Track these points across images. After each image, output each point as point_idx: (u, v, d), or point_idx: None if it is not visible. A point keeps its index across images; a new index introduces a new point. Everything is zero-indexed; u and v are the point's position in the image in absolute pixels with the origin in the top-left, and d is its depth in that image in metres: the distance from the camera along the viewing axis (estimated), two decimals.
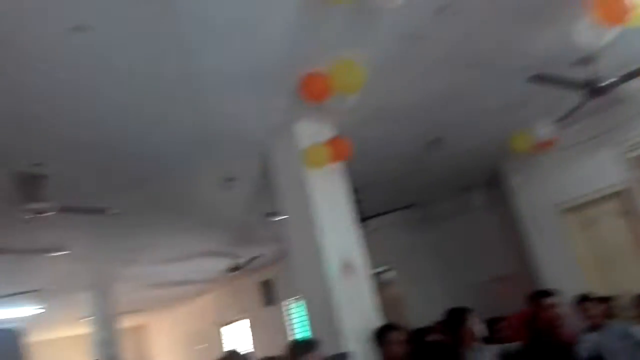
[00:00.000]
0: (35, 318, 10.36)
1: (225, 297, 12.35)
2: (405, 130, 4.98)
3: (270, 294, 10.71)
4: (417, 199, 7.49)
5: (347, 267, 4.00)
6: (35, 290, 7.78)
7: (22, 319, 10.26)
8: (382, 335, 3.64)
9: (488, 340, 5.07)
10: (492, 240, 7.34)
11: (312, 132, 4.23)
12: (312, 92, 3.49)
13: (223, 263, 8.83)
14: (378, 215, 6.51)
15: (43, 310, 9.84)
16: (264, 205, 6.27)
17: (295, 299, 10.05)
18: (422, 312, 7.51)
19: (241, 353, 4.08)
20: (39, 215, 4.12)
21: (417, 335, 4.39)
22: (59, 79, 2.96)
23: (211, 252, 8.19)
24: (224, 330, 12.76)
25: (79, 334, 12.65)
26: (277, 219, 6.48)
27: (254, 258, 8.72)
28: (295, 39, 3.08)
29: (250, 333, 11.82)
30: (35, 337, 12.90)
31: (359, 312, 3.92)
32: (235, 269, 8.80)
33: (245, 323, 12.03)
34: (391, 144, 5.24)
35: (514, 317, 5.63)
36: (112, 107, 3.42)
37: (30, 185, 3.86)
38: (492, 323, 5.18)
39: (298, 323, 10.26)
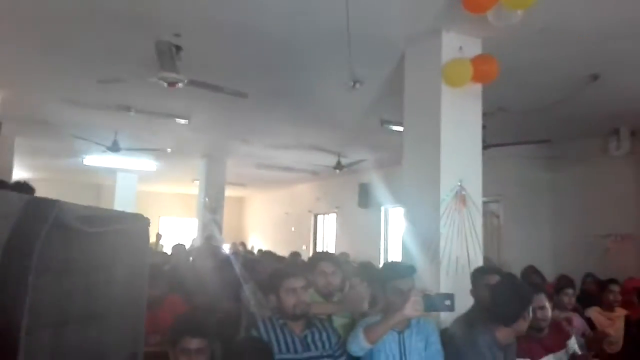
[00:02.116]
0: (150, 173, 11.39)
1: (323, 189, 12.70)
2: (561, 60, 4.38)
3: (367, 197, 10.80)
4: (546, 134, 6.82)
5: (461, 196, 3.77)
6: (156, 150, 8.39)
7: (140, 172, 11.36)
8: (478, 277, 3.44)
9: (594, 302, 4.77)
10: (622, 193, 6.62)
11: (458, 44, 3.82)
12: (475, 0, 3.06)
13: (328, 159, 8.90)
14: (503, 145, 6.04)
15: (157, 167, 10.74)
16: (381, 112, 6.06)
17: (390, 206, 10.08)
18: (521, 252, 7.22)
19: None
20: (170, 85, 4.22)
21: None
22: None
23: (319, 147, 8.23)
24: (318, 219, 13.32)
25: (186, 193, 13.83)
26: (392, 127, 6.29)
27: (360, 161, 8.68)
28: None
29: (336, 228, 12.25)
30: (149, 188, 14.41)
31: (463, 243, 3.74)
32: (340, 166, 8.85)
33: (333, 217, 12.45)
34: (540, 71, 4.66)
35: (630, 283, 5.19)
36: None
37: (167, 55, 3.91)
38: (603, 285, 4.82)
39: (389, 230, 10.39)
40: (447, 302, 2.49)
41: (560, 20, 3.62)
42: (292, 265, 5.32)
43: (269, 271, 4.35)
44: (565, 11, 3.49)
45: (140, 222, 0.97)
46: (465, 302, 3.30)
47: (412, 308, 2.44)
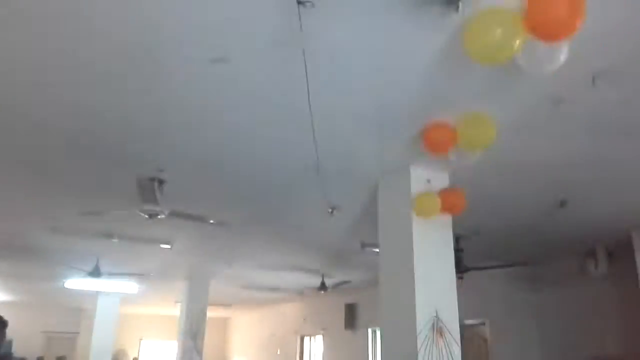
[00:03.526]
0: (133, 295, 11.15)
1: (309, 310, 12.40)
2: (527, 189, 4.58)
3: (353, 318, 10.56)
4: (525, 255, 6.91)
5: (438, 328, 3.74)
6: (138, 274, 8.30)
7: (122, 294, 11.13)
8: None
9: None
10: (605, 314, 6.57)
11: (426, 178, 4.02)
12: (435, 143, 3.30)
13: (312, 280, 8.83)
14: (482, 268, 6.09)
15: (139, 290, 10.55)
16: (361, 235, 6.16)
17: (377, 328, 9.83)
18: None
19: None
20: (151, 216, 4.32)
21: None
22: (192, 100, 3.06)
23: (303, 268, 8.21)
24: (304, 341, 12.83)
25: (169, 314, 13.41)
26: (372, 249, 6.36)
27: (344, 282, 8.62)
28: (429, 86, 2.90)
29: (323, 350, 11.77)
30: (131, 310, 13.97)
31: None
32: (324, 287, 8.76)
33: (319, 339, 12.02)
34: (509, 200, 4.85)
35: None
36: (235, 130, 3.48)
37: (148, 190, 4.07)
38: None
39: (377, 353, 10.01)
40: None
41: (521, 155, 3.84)
42: None
43: None
44: (523, 147, 3.73)
45: None
46: None
47: None
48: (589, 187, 4.56)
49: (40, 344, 13.63)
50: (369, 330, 10.14)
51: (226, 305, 13.11)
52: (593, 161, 3.98)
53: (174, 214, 4.51)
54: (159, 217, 4.39)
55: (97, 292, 11.05)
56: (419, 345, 3.61)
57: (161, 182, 4.27)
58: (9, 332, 4.27)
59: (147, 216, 4.32)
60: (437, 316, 3.75)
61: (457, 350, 3.78)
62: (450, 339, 3.76)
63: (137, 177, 3.98)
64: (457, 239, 5.42)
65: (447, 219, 4.07)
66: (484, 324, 7.65)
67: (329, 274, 8.70)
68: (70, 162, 4.09)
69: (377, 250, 5.81)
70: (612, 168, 4.11)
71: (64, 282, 9.79)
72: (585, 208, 5.08)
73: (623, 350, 6.29)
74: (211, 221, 5.00)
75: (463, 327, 4.13)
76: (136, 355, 14.43)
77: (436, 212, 3.81)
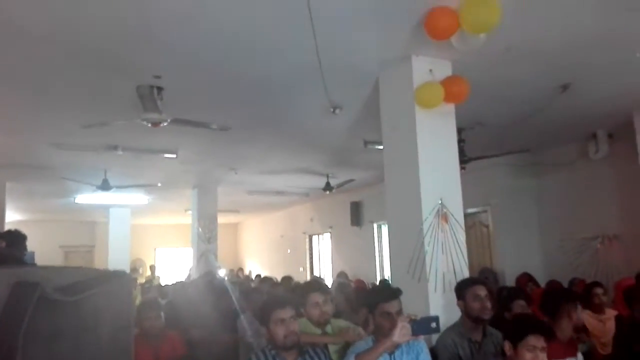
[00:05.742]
0: (143, 206, 11.44)
1: (316, 210, 12.77)
2: (530, 74, 4.52)
3: (358, 215, 10.89)
4: (527, 143, 6.97)
5: (443, 214, 3.87)
6: (147, 185, 8.46)
7: (132, 206, 11.42)
8: (463, 288, 3.46)
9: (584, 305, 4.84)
10: (606, 195, 6.75)
11: (428, 68, 3.95)
12: (438, 28, 3.20)
13: (318, 181, 9.00)
14: (482, 157, 6.17)
15: (149, 201, 10.81)
16: (364, 133, 6.18)
17: (382, 223, 10.18)
18: (513, 259, 7.33)
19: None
20: (154, 125, 4.32)
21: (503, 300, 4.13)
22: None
23: (307, 170, 8.34)
24: (313, 240, 13.37)
25: (181, 223, 13.85)
26: (374, 147, 6.42)
27: (348, 181, 8.78)
28: None
29: (331, 248, 12.29)
30: (143, 221, 14.42)
31: (449, 259, 3.82)
32: (329, 188, 8.96)
33: (327, 237, 12.51)
34: (511, 86, 4.80)
35: (622, 282, 5.27)
36: (232, 30, 3.37)
37: (148, 98, 4.03)
38: (587, 288, 4.90)
39: (383, 247, 10.46)
40: (433, 325, 2.56)
41: (524, 38, 3.75)
42: (285, 292, 5.37)
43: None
44: (528, 30, 3.62)
45: (122, 280, 1.02)
46: (456, 317, 3.38)
47: (400, 334, 2.51)
48: (591, 68, 4.50)
49: (60, 258, 14.24)
50: (374, 226, 10.51)
51: (235, 210, 13.48)
52: (594, 42, 3.90)
53: (176, 121, 4.50)
54: (161, 125, 4.39)
55: (109, 206, 11.34)
56: (424, 231, 3.77)
57: (160, 89, 4.23)
58: (29, 247, 4.44)
59: (149, 125, 4.32)
60: (442, 203, 3.87)
61: (461, 235, 3.95)
62: (455, 224, 3.91)
63: (136, 86, 3.93)
64: (459, 131, 5.45)
65: (450, 108, 4.06)
66: (485, 211, 7.89)
67: (333, 174, 8.86)
68: (69, 75, 4.02)
69: (380, 147, 5.92)
70: (616, 47, 4.03)
71: (74, 198, 10.03)
72: (588, 91, 5.04)
73: (622, 230, 6.54)
74: (213, 126, 5.00)
75: (465, 216, 4.26)
76: (152, 263, 15.12)
77: (439, 101, 3.79)
